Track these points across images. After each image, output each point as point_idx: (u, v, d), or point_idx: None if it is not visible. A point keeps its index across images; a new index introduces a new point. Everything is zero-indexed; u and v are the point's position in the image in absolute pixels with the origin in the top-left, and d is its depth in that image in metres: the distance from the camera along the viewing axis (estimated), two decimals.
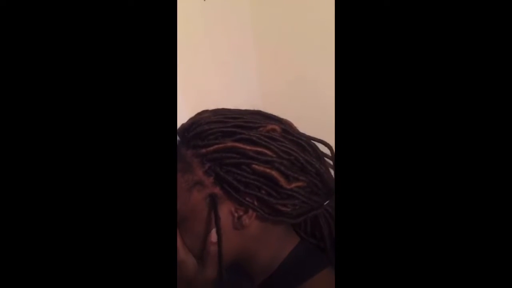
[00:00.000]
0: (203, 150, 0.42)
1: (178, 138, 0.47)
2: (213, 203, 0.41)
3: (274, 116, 0.47)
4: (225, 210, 0.42)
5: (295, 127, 0.47)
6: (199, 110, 0.49)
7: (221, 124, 0.43)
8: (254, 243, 0.44)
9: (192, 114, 0.52)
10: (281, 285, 0.43)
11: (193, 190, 0.42)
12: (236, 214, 0.42)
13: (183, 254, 0.43)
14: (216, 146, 0.41)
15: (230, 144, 0.41)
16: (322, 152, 0.46)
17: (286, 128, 0.45)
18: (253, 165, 0.40)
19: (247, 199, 0.41)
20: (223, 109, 0.48)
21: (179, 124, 0.47)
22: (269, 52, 0.91)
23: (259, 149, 0.41)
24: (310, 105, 0.78)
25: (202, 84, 0.85)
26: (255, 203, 0.42)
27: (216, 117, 0.44)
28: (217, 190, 0.42)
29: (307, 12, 0.79)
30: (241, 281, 0.47)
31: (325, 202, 0.45)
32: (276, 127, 0.44)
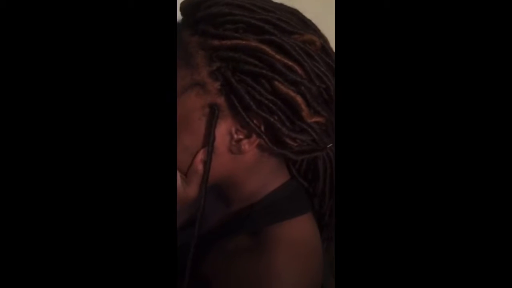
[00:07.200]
0: (216, 42, 0.32)
1: (179, 15, 0.36)
2: (212, 116, 0.33)
3: (313, 24, 0.36)
4: (224, 128, 0.34)
5: (331, 47, 0.35)
6: None
7: (247, 12, 0.32)
8: (244, 171, 0.38)
9: None
10: (259, 217, 0.38)
11: (191, 92, 0.33)
12: (235, 136, 0.35)
13: None
14: (235, 41, 0.31)
15: (254, 44, 0.31)
16: None
17: (325, 45, 0.34)
18: (276, 82, 0.31)
19: (255, 121, 0.33)
20: None
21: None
22: None
23: (290, 62, 0.31)
24: None
25: None
26: (262, 128, 0.33)
27: (240, 0, 0.33)
28: (220, 101, 0.33)
29: None
30: (217, 204, 0.43)
31: (330, 144, 0.38)
32: (316, 40, 0.33)
